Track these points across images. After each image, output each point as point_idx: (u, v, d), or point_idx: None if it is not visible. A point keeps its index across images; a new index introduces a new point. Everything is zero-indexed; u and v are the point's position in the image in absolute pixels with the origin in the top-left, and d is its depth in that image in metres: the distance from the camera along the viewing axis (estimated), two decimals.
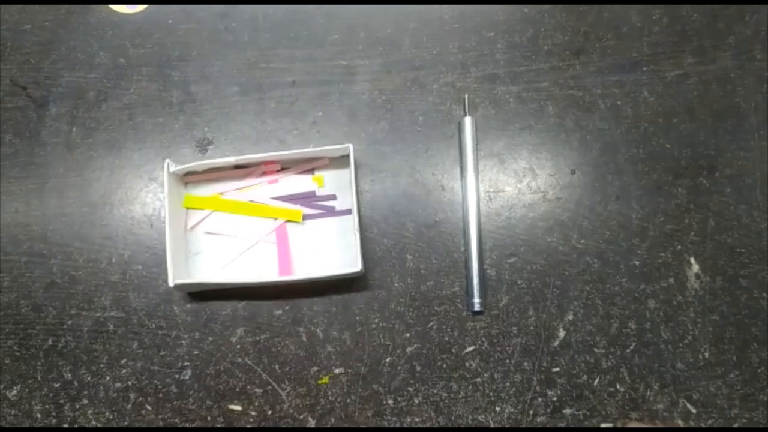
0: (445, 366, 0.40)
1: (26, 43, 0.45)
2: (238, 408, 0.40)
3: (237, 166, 0.42)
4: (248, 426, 0.39)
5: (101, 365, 0.40)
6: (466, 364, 0.40)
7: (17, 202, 0.43)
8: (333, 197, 0.42)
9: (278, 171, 0.42)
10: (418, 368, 0.40)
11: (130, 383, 0.40)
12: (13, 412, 0.40)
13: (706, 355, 0.40)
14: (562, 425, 0.39)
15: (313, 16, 0.45)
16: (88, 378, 0.40)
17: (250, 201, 0.42)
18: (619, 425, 0.38)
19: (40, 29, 0.45)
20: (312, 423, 0.39)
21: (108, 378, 0.40)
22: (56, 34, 0.45)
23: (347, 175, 0.41)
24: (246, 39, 0.45)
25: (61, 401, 0.40)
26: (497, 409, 0.40)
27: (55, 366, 0.40)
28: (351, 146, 0.39)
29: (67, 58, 0.45)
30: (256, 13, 0.45)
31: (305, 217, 0.42)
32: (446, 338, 0.41)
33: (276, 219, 0.41)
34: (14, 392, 0.40)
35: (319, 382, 0.40)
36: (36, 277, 0.42)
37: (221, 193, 0.42)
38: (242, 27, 0.45)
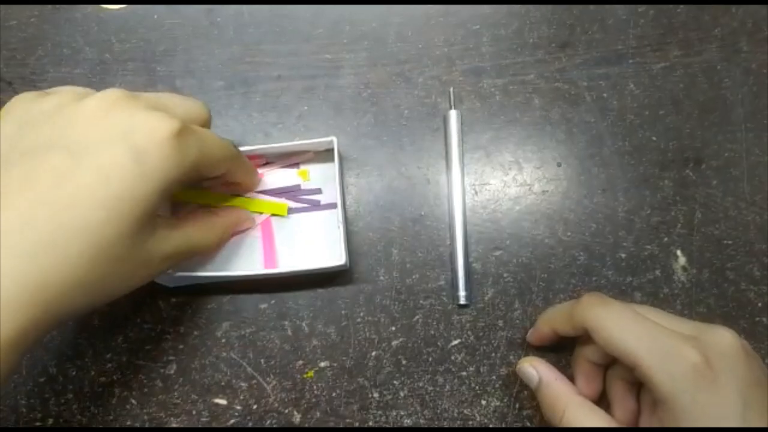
0: (430, 359, 0.40)
1: (12, 39, 0.45)
2: (223, 402, 0.40)
3: None
4: (233, 420, 0.39)
5: (86, 360, 0.40)
6: (452, 358, 0.40)
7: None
8: (318, 191, 0.42)
9: (263, 165, 0.42)
10: (404, 362, 0.40)
11: (115, 377, 0.40)
12: None
13: None
14: None
15: (299, 10, 0.45)
16: (73, 372, 0.40)
17: (235, 194, 0.42)
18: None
19: (25, 25, 0.45)
20: (297, 417, 0.39)
21: (93, 372, 0.40)
22: (42, 30, 0.45)
23: (332, 169, 0.41)
24: (231, 34, 0.45)
25: (46, 396, 0.40)
26: (483, 402, 0.40)
27: (40, 361, 0.40)
28: (335, 138, 0.39)
29: (53, 53, 0.45)
30: (241, 8, 0.45)
31: (290, 210, 0.41)
32: (432, 332, 0.40)
33: (261, 213, 0.41)
34: None
35: (305, 375, 0.40)
36: None
37: (207, 188, 0.42)
38: (227, 22, 0.45)
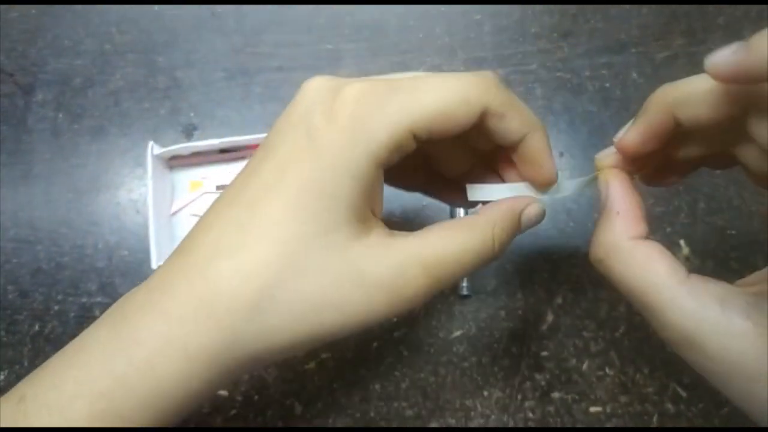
0: (432, 350, 0.40)
1: (13, 31, 0.45)
2: (224, 393, 0.40)
3: (223, 150, 0.41)
4: (234, 411, 0.39)
5: None
6: (454, 349, 0.40)
7: (4, 189, 0.43)
8: None
9: None
10: (406, 353, 0.40)
11: None
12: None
13: None
14: (551, 409, 0.39)
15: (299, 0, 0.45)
16: None
17: None
18: None
19: (26, 17, 0.46)
20: (299, 408, 0.39)
21: None
22: (43, 22, 0.45)
23: None
24: (232, 24, 0.45)
25: None
26: (485, 393, 0.39)
27: (42, 351, 0.40)
28: None
29: (53, 45, 0.45)
30: None
31: None
32: (434, 322, 0.40)
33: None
34: (1, 377, 0.40)
35: (306, 367, 0.40)
36: (23, 263, 0.42)
37: (205, 178, 0.42)
38: (228, 12, 0.45)
